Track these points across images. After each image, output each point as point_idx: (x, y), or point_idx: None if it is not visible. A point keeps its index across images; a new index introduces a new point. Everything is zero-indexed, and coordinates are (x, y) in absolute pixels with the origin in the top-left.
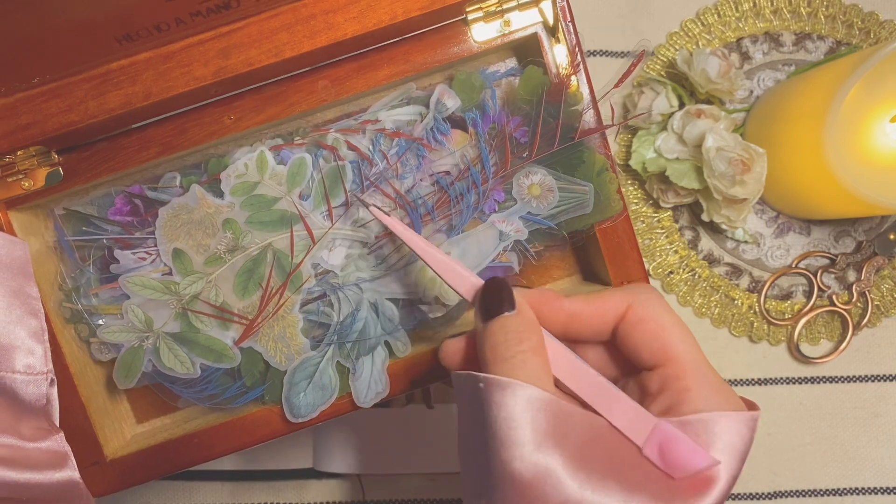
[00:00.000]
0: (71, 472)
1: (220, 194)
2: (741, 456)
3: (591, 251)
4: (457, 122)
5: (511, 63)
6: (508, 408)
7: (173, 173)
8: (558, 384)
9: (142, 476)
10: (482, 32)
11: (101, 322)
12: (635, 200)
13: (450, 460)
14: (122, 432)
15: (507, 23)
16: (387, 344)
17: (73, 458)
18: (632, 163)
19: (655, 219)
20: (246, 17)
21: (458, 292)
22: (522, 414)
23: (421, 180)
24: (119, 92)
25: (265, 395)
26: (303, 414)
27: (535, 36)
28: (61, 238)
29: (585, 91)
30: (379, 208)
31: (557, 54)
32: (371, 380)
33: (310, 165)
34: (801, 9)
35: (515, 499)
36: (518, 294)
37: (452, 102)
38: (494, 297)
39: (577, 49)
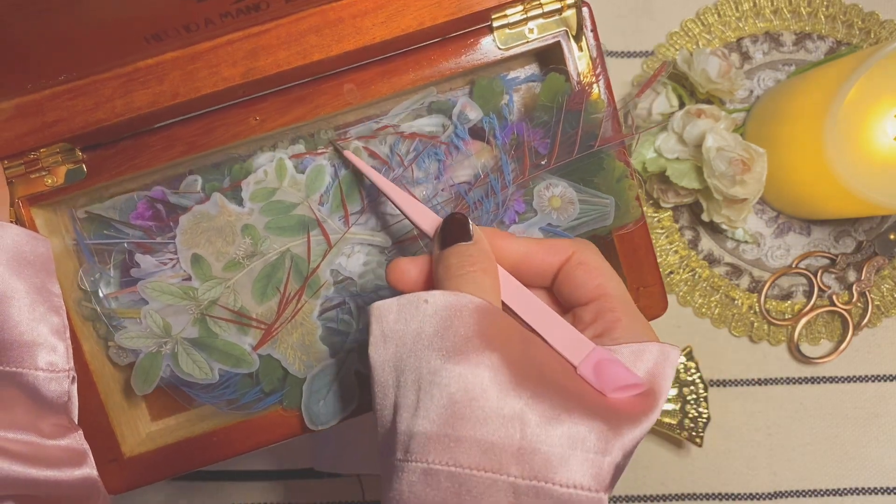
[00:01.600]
0: (89, 470)
1: (241, 201)
2: (667, 386)
3: (607, 256)
4: (477, 133)
5: (532, 69)
6: (453, 314)
7: (195, 176)
8: (504, 309)
9: (159, 473)
10: (506, 39)
11: (123, 325)
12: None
13: None
14: (138, 430)
15: (531, 30)
16: None
17: (91, 455)
18: (632, 163)
19: (655, 219)
20: (275, 19)
21: (419, 227)
22: (465, 318)
23: (442, 190)
24: (146, 91)
25: (284, 400)
26: (322, 422)
27: (557, 43)
28: (81, 242)
29: (605, 97)
30: (344, 148)
31: (579, 62)
32: None
33: (328, 172)
34: (802, 8)
35: (449, 402)
36: (476, 228)
37: (475, 114)
38: (453, 227)
39: (599, 57)
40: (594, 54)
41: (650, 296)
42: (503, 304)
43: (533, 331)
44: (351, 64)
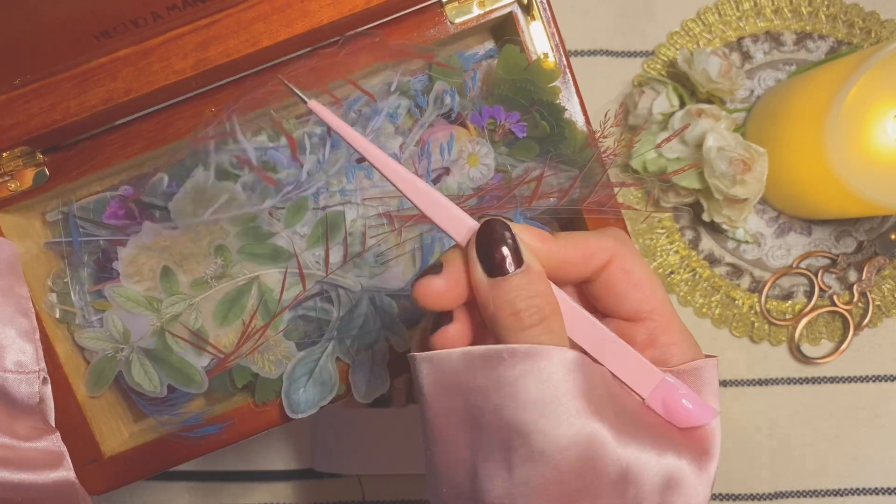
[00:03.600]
0: (66, 472)
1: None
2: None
3: (578, 228)
4: (457, 118)
5: (490, 45)
6: (546, 374)
7: (161, 174)
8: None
9: (141, 472)
10: (458, 13)
11: (96, 324)
12: (636, 201)
13: None
14: (121, 430)
15: (482, 3)
16: (386, 339)
17: (68, 457)
18: (633, 163)
19: (656, 219)
20: (222, 10)
21: (448, 234)
22: (563, 379)
23: (415, 144)
24: (100, 89)
25: (255, 396)
26: (302, 409)
27: (510, 15)
28: (75, 238)
29: (563, 66)
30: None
31: (534, 32)
32: (371, 375)
33: (310, 205)
34: (802, 8)
35: (564, 469)
36: (524, 247)
37: (451, 99)
38: (498, 249)
39: (553, 27)
40: (549, 26)
41: None
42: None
43: (592, 358)
44: (303, 48)
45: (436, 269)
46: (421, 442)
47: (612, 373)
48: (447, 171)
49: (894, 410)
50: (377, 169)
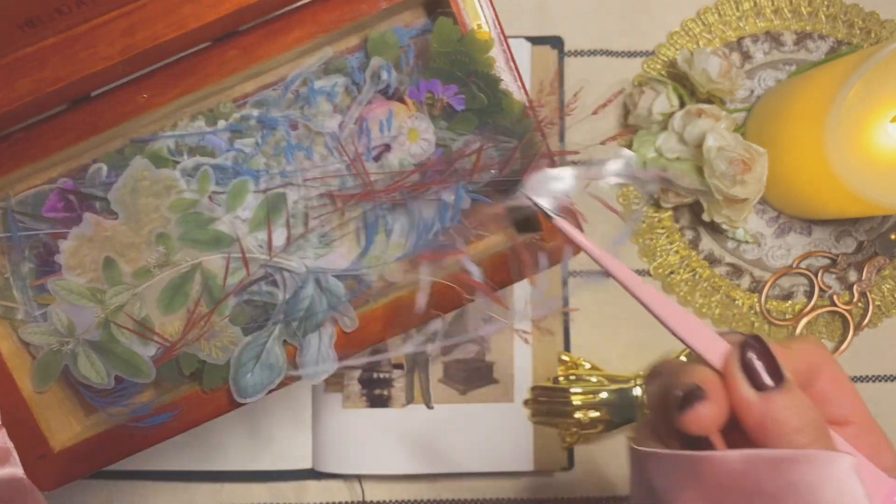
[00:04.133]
0: (14, 469)
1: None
2: None
3: None
4: (395, 94)
5: (425, 20)
6: (841, 479)
7: (99, 164)
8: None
9: (91, 465)
10: None
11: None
12: (636, 200)
13: (450, 461)
14: (72, 425)
15: None
16: (333, 320)
17: (15, 454)
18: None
19: (656, 219)
20: None
21: (702, 356)
22: (856, 484)
23: (354, 123)
24: (28, 79)
25: (203, 383)
26: (250, 394)
27: None
28: (14, 233)
29: (496, 36)
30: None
31: (466, 4)
32: (319, 357)
33: (251, 188)
34: (802, 8)
35: None
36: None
37: (388, 75)
38: (761, 362)
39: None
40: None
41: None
42: None
43: None
44: (233, 29)
45: (698, 395)
46: None
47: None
48: (388, 147)
49: (894, 410)
50: (634, 295)
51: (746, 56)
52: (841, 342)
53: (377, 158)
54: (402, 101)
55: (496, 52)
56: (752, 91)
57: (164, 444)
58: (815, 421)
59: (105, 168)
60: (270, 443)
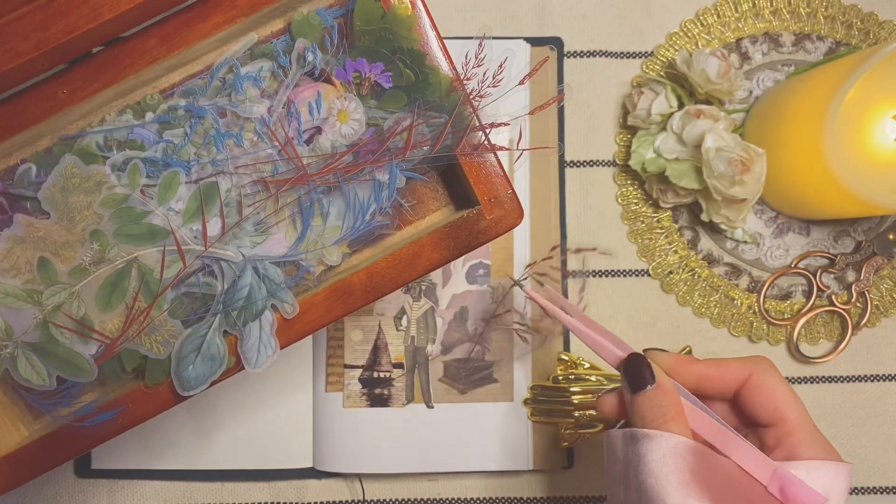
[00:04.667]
0: None
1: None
2: (842, 498)
3: (457, 174)
4: (321, 75)
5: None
6: (656, 454)
7: (28, 164)
8: (693, 435)
9: (39, 467)
10: None
11: None
12: (635, 200)
13: (450, 460)
14: (19, 430)
15: None
16: (273, 307)
17: None
18: (631, 163)
19: (655, 219)
20: None
21: (606, 360)
22: (671, 459)
23: (282, 107)
24: None
25: (146, 378)
26: (193, 386)
27: None
28: None
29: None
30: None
31: None
32: (260, 344)
33: (182, 179)
34: (801, 9)
35: None
36: (655, 366)
37: (313, 56)
38: (637, 372)
39: None
40: None
41: (502, 206)
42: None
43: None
44: (150, 18)
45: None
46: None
47: (739, 466)
48: (318, 130)
49: (892, 410)
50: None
51: (745, 57)
52: (839, 342)
53: (308, 142)
54: (329, 82)
55: (422, 28)
56: (751, 92)
57: (165, 443)
58: (663, 411)
59: (34, 168)
60: (271, 442)
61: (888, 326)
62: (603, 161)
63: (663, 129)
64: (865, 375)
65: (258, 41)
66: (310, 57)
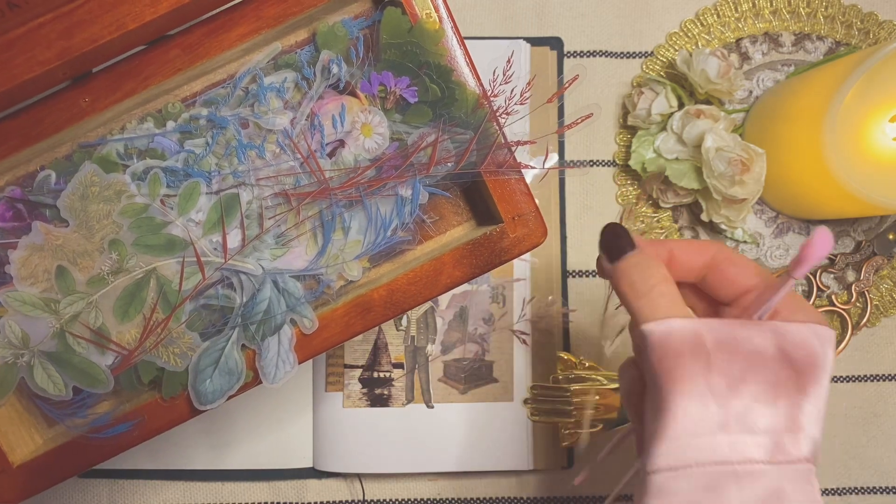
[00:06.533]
0: None
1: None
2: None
3: (480, 190)
4: (346, 88)
5: (373, 11)
6: (666, 346)
7: (47, 171)
8: None
9: (53, 478)
10: None
11: None
12: (635, 200)
13: (450, 460)
14: (33, 438)
15: None
16: (291, 322)
17: None
18: (631, 163)
19: (655, 219)
20: None
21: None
22: (681, 348)
23: (305, 119)
24: None
25: (163, 391)
26: (210, 401)
27: None
28: None
29: (449, 27)
30: None
31: None
32: (279, 360)
33: (203, 190)
34: (801, 9)
35: (678, 441)
36: (634, 234)
37: (338, 69)
38: (616, 240)
39: None
40: None
41: (526, 224)
42: None
43: None
44: (173, 28)
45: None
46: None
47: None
48: (341, 143)
49: (892, 410)
50: None
51: (745, 57)
52: (839, 342)
53: (331, 155)
54: (354, 94)
55: (448, 42)
56: (751, 92)
57: (165, 443)
58: (634, 283)
59: (53, 175)
60: (271, 442)
61: (888, 326)
62: (603, 161)
63: (663, 129)
64: (865, 375)
65: (282, 51)
66: (335, 69)
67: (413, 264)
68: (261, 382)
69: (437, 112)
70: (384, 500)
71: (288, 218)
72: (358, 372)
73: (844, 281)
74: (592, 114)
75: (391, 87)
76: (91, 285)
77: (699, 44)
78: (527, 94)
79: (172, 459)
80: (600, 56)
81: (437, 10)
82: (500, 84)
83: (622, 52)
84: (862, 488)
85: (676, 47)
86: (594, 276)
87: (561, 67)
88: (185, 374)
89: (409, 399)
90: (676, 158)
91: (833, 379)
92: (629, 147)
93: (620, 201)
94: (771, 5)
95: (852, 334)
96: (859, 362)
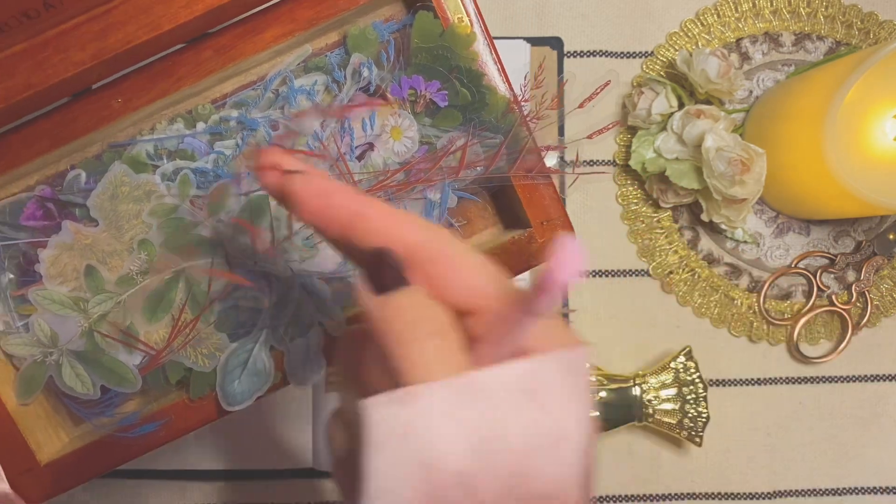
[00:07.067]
0: (0, 485)
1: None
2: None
3: (508, 195)
4: (376, 91)
5: (404, 14)
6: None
7: (77, 171)
8: None
9: (80, 477)
10: None
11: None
12: (635, 200)
13: None
14: (60, 437)
15: None
16: (320, 324)
17: (0, 468)
18: (631, 163)
19: (655, 219)
20: None
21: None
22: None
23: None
24: None
25: (191, 392)
26: (238, 401)
27: None
28: None
29: (479, 30)
30: None
31: None
32: (307, 361)
33: (232, 193)
34: (801, 9)
35: None
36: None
37: (369, 72)
38: (388, 271)
39: None
40: None
41: (554, 229)
42: None
43: None
44: (207, 30)
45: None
46: None
47: None
48: (371, 146)
49: (893, 410)
50: None
51: (745, 57)
52: (840, 342)
53: (360, 158)
54: (384, 98)
55: (479, 46)
56: (751, 92)
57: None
58: (398, 333)
59: (83, 174)
60: (270, 442)
61: (888, 326)
62: (603, 161)
63: (663, 129)
64: (865, 375)
65: (312, 53)
66: (365, 72)
67: None
68: (289, 384)
69: (467, 116)
70: None
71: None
72: None
73: (844, 281)
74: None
75: (421, 91)
76: (120, 285)
77: (699, 44)
78: (557, 100)
79: (172, 459)
80: (600, 56)
81: (468, 14)
82: (530, 89)
83: (622, 52)
84: (862, 488)
85: (676, 47)
86: (594, 276)
87: (561, 67)
88: (213, 374)
89: None
90: (676, 158)
91: (833, 379)
92: (629, 147)
93: (620, 201)
94: (771, 5)
95: (852, 334)
96: (859, 363)
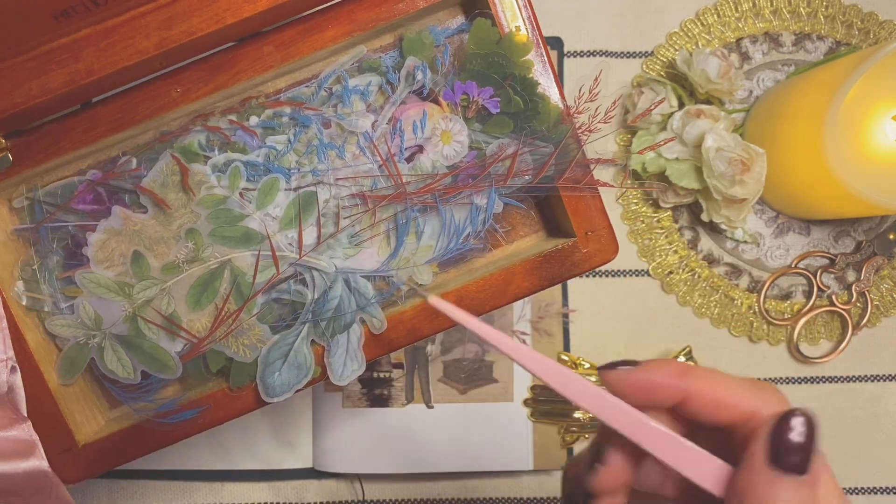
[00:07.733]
0: (39, 462)
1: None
2: None
3: (553, 203)
4: (429, 95)
5: (461, 20)
6: None
7: (128, 156)
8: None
9: (116, 459)
10: None
11: (66, 311)
12: (635, 200)
13: (450, 460)
14: (96, 418)
15: None
16: (361, 321)
17: (41, 446)
18: (632, 163)
19: (655, 219)
20: None
21: (690, 478)
22: None
23: (387, 123)
24: (62, 71)
25: (231, 381)
26: (278, 393)
27: None
28: (41, 226)
29: (535, 37)
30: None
31: (505, 5)
32: (347, 357)
33: (282, 186)
34: (801, 9)
35: None
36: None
37: (423, 76)
38: (806, 449)
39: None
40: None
41: (598, 240)
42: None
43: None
44: (268, 25)
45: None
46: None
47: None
48: (420, 148)
49: (892, 410)
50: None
51: (745, 57)
52: (840, 342)
53: (409, 160)
54: (436, 102)
55: (534, 56)
56: (751, 91)
57: None
58: None
59: (135, 161)
60: (270, 442)
61: (888, 326)
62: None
63: (663, 129)
64: (865, 375)
65: (367, 54)
66: (419, 76)
67: (481, 272)
68: (328, 378)
69: (518, 124)
70: (384, 500)
71: (363, 219)
72: None
73: (844, 281)
74: (673, 138)
75: (474, 97)
76: (165, 272)
77: (699, 43)
78: (612, 113)
79: (172, 459)
80: (600, 56)
81: (525, 23)
82: (585, 101)
83: (622, 52)
84: (862, 488)
85: (676, 47)
86: (594, 276)
87: (561, 67)
88: (254, 365)
89: (409, 399)
90: (676, 158)
91: (833, 379)
92: (629, 147)
93: (620, 201)
94: (771, 5)
95: (852, 334)
96: (859, 362)
